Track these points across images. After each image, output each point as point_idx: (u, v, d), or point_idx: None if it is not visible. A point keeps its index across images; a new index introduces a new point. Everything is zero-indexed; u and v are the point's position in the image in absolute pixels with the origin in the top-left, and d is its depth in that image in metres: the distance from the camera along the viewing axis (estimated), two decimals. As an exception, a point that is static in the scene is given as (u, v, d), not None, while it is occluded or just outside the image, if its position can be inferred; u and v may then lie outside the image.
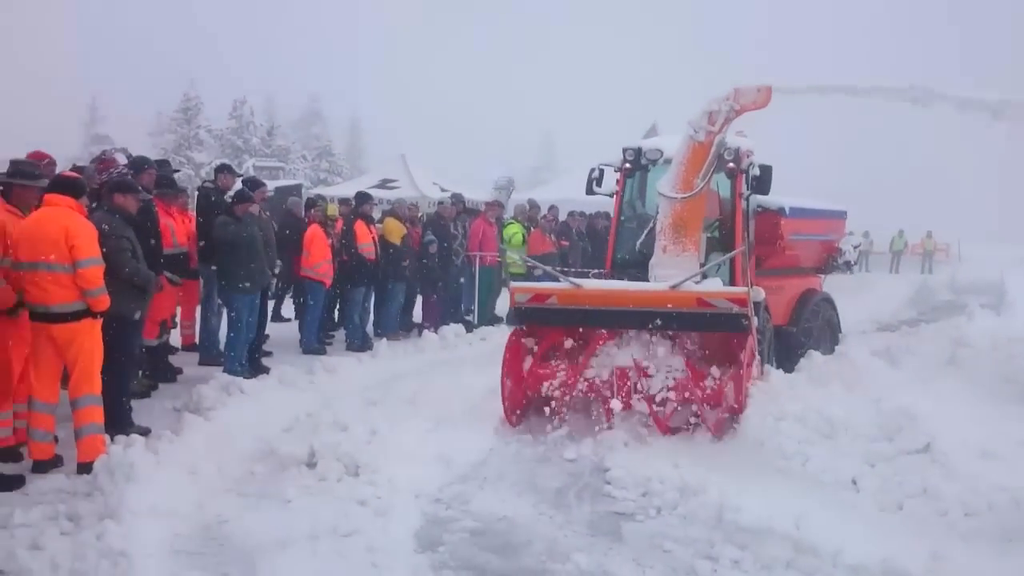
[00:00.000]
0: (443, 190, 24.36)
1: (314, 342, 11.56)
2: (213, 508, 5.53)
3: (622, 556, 5.02)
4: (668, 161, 8.59)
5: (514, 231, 14.73)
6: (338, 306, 12.92)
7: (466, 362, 10.41)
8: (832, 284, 12.03)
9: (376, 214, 13.44)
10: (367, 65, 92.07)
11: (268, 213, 10.78)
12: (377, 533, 5.15)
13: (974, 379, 7.91)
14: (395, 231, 12.54)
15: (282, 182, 22.61)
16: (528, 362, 7.81)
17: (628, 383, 7.32)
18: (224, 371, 9.00)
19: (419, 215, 14.73)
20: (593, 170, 9.85)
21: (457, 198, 15.45)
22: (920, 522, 5.37)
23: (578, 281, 7.73)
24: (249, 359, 9.63)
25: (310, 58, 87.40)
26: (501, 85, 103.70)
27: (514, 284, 7.85)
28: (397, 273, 12.46)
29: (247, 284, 9.30)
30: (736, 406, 7.01)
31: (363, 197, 12.49)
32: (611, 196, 9.87)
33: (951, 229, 44.74)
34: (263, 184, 10.56)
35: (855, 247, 11.81)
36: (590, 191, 9.85)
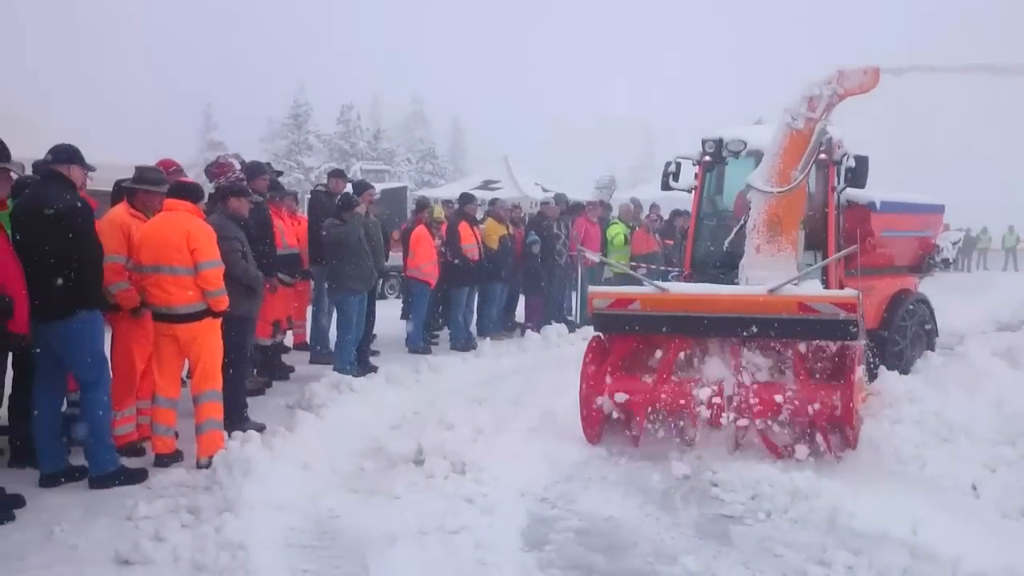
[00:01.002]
0: (545, 190, 24.46)
1: (419, 342, 11.78)
2: (325, 503, 5.68)
3: (731, 559, 4.94)
4: (753, 153, 8.28)
5: (616, 231, 14.65)
6: (442, 306, 13.14)
7: (568, 362, 10.29)
8: (948, 283, 11.48)
9: (479, 215, 13.59)
10: (468, 67, 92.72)
11: (377, 215, 10.99)
12: (484, 530, 5.22)
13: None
14: (493, 233, 12.66)
15: (388, 184, 23.07)
16: (608, 373, 7.17)
17: (723, 397, 6.67)
18: (334, 370, 9.24)
19: (522, 215, 14.82)
20: (669, 163, 9.16)
21: (560, 198, 15.47)
22: (1046, 530, 5.12)
23: (664, 285, 7.12)
24: (358, 358, 9.87)
25: (412, 60, 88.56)
26: (602, 83, 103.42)
27: (593, 289, 7.33)
28: (495, 274, 12.57)
29: (354, 284, 9.54)
30: (848, 425, 6.40)
31: (466, 198, 12.67)
32: (689, 191, 9.23)
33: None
34: (371, 187, 10.82)
35: (954, 243, 10.87)
36: (666, 186, 9.19)
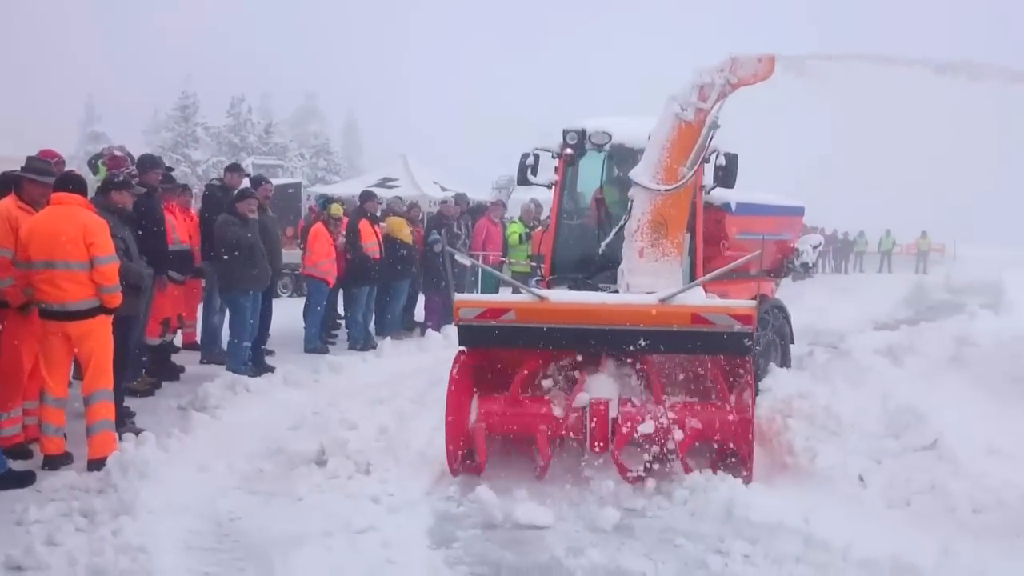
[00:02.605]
0: (444, 189, 24.45)
1: (317, 341, 11.60)
2: (225, 505, 5.56)
3: (634, 551, 5.05)
4: (621, 147, 7.78)
5: (514, 230, 14.74)
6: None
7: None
8: (827, 284, 11.73)
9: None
10: (363, 62, 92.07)
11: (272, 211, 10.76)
12: (391, 530, 5.19)
13: (979, 377, 7.93)
14: (403, 228, 12.58)
15: (282, 180, 22.60)
16: (475, 395, 6.47)
17: (607, 419, 6.02)
18: (227, 369, 9.02)
19: (419, 215, 14.73)
20: (527, 155, 8.17)
21: (461, 197, 15.50)
22: (928, 518, 5.40)
23: (543, 293, 6.46)
24: (253, 358, 9.66)
25: (305, 52, 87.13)
26: (500, 82, 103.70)
27: (459, 297, 6.40)
28: (404, 272, 12.48)
29: (249, 284, 9.32)
30: (746, 450, 6.01)
31: (367, 195, 12.56)
32: (549, 187, 8.33)
33: (946, 229, 44.96)
34: (267, 181, 10.60)
35: (815, 247, 10.21)
36: (523, 180, 8.31)
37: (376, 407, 7.96)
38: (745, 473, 5.99)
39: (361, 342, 11.87)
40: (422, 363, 10.82)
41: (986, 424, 6.69)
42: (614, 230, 7.29)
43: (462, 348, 6.43)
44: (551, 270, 8.09)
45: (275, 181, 19.72)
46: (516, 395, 6.29)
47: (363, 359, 10.80)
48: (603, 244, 7.51)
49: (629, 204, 6.75)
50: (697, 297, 6.34)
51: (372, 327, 12.59)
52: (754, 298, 6.51)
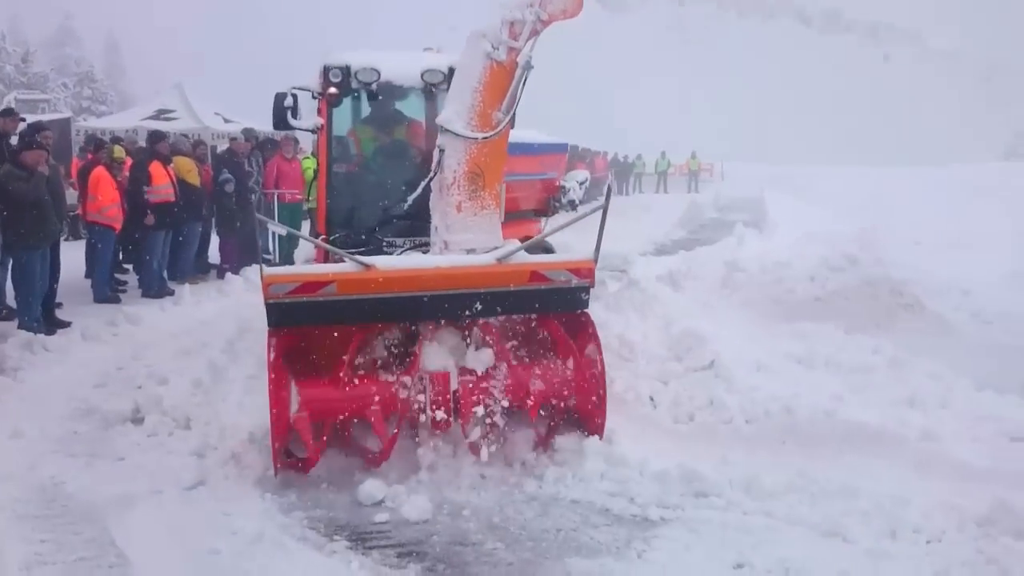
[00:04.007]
0: (227, 120, 23.41)
1: (106, 291, 11.11)
2: (45, 471, 5.46)
3: (454, 487, 5.38)
4: (389, 84, 7.20)
5: (310, 165, 14.51)
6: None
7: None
8: (612, 206, 12.08)
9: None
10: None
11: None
12: (221, 482, 5.31)
13: (746, 300, 8.94)
14: (191, 170, 12.17)
15: (50, 116, 20.84)
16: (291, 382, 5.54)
17: (448, 392, 5.55)
18: (19, 328, 8.56)
19: (206, 154, 14.16)
20: (283, 96, 7.15)
21: (249, 132, 15.06)
22: (709, 431, 6.11)
23: (368, 260, 5.58)
24: (44, 314, 9.19)
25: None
26: (284, 4, 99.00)
27: (268, 271, 5.44)
28: (196, 214, 12.13)
29: (37, 240, 8.79)
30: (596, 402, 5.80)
31: (157, 135, 12.04)
32: (314, 131, 7.41)
33: (715, 149, 48.29)
34: (46, 128, 9.93)
35: (580, 183, 10.17)
36: (282, 124, 7.20)
37: (185, 359, 7.90)
38: (594, 428, 5.83)
39: (155, 289, 11.48)
40: (225, 308, 10.69)
41: (754, 343, 7.59)
42: (424, 182, 6.42)
43: (273, 329, 5.51)
44: (327, 227, 7.19)
45: (42, 117, 18.34)
46: (340, 376, 5.55)
47: (161, 307, 10.52)
48: (410, 198, 6.69)
49: (438, 154, 6.09)
50: (530, 255, 5.99)
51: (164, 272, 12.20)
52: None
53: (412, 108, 7.98)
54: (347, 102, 7.66)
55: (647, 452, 5.64)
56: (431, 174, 6.19)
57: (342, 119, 7.74)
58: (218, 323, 9.51)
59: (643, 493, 5.26)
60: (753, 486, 5.23)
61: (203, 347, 8.29)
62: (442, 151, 6.09)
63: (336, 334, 5.66)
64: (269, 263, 13.35)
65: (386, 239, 6.90)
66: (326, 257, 6.67)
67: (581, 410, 5.89)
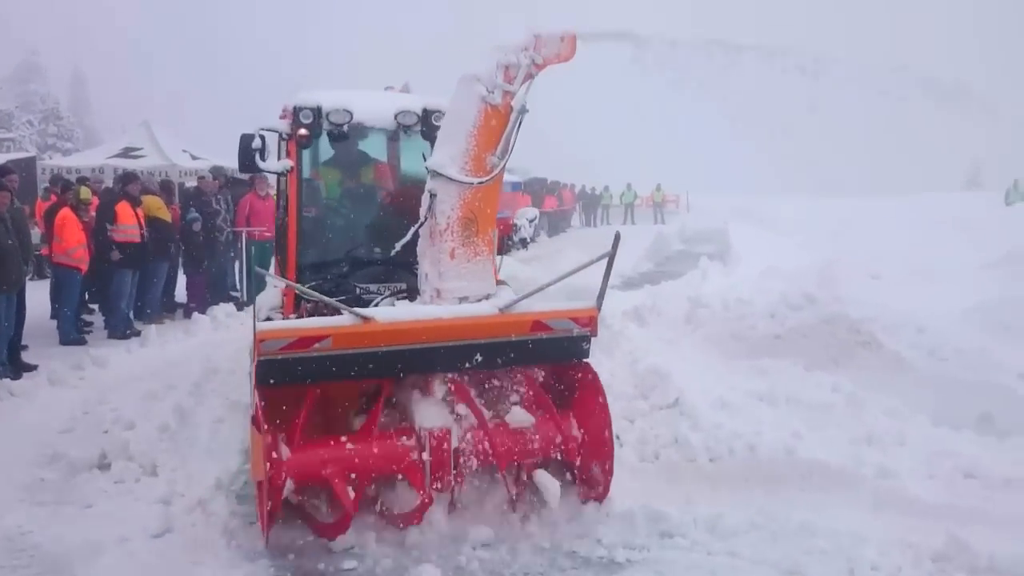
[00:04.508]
0: (195, 157, 23.45)
1: (72, 332, 11.07)
2: (11, 519, 5.44)
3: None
4: (361, 126, 6.92)
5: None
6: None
7: (242, 342, 10.35)
8: (580, 240, 12.06)
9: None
10: (87, 13, 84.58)
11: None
12: (188, 529, 5.29)
13: (709, 337, 9.08)
14: (160, 207, 12.20)
15: (13, 155, 20.74)
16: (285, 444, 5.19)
17: (448, 451, 5.34)
18: (-17, 372, 8.52)
19: (174, 191, 14.18)
20: (251, 137, 6.68)
21: (217, 170, 15.10)
22: (674, 469, 6.22)
23: (367, 312, 5.30)
24: (9, 358, 9.14)
25: (22, 3, 79.01)
26: (248, 40, 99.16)
27: (261, 327, 5.07)
28: (163, 254, 12.13)
29: (2, 285, 8.77)
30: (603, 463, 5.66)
31: (129, 177, 12.07)
32: (284, 174, 6.97)
33: (680, 181, 48.91)
34: (11, 171, 9.92)
35: (531, 221, 9.68)
36: (249, 167, 6.78)
37: (152, 403, 7.89)
38: (598, 494, 5.70)
39: (122, 330, 11.44)
40: (191, 349, 10.66)
41: (717, 380, 7.73)
42: (413, 228, 5.99)
43: (264, 386, 5.15)
44: (297, 275, 6.69)
45: (5, 156, 18.26)
46: (367, 431, 5.36)
47: (127, 349, 10.48)
48: (399, 244, 6.20)
49: (428, 199, 5.81)
50: (527, 302, 5.73)
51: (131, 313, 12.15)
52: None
53: (383, 150, 7.89)
54: (317, 143, 7.35)
55: (613, 491, 5.69)
56: (421, 220, 5.88)
57: (312, 161, 7.49)
58: (185, 364, 9.48)
59: (609, 534, 5.34)
60: (717, 526, 5.34)
61: (170, 390, 8.28)
62: (433, 196, 5.79)
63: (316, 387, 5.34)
64: (237, 301, 13.41)
65: (360, 286, 6.66)
66: (295, 305, 6.49)
67: (582, 472, 5.74)
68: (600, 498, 5.67)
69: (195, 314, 12.29)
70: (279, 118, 7.03)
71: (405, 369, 5.46)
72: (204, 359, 9.57)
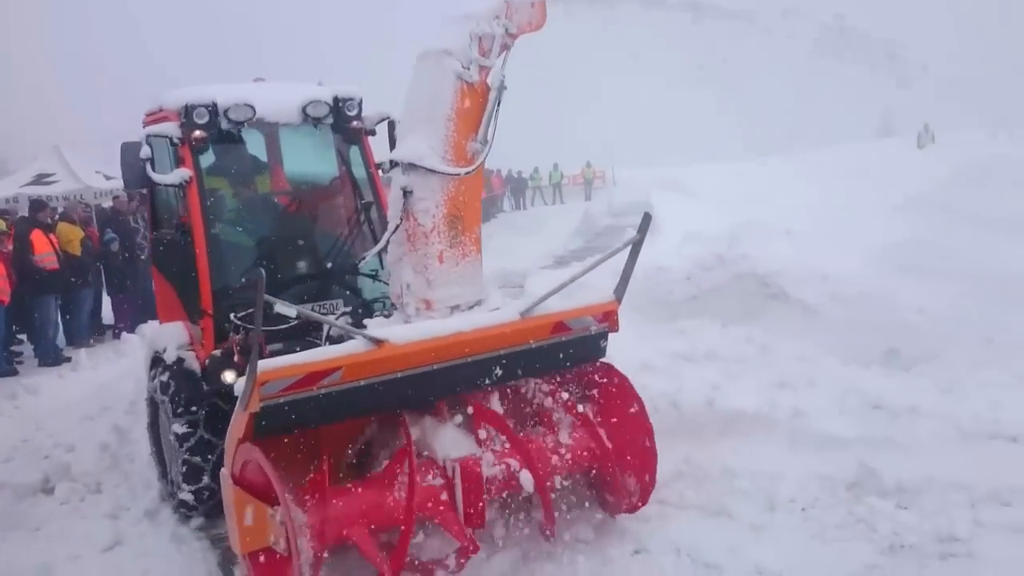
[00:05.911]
0: (108, 177, 22.99)
1: (2, 365, 10.96)
2: (-40, 549, 5.50)
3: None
4: (263, 122, 5.95)
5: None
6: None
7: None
8: (508, 223, 12.36)
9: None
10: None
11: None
12: (137, 540, 5.45)
13: (634, 305, 9.35)
14: (73, 237, 12.08)
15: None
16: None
17: (481, 482, 4.61)
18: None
19: (90, 214, 14.02)
20: (136, 146, 5.85)
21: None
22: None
23: (379, 335, 4.40)
24: (-62, 394, 9.07)
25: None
26: (145, 54, 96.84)
27: (264, 366, 4.02)
28: (83, 280, 12.04)
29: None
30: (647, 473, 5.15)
31: (38, 205, 11.93)
32: (180, 186, 5.81)
33: (606, 157, 49.44)
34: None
35: None
36: (141, 181, 5.88)
37: (89, 425, 7.91)
38: (631, 506, 5.15)
39: (52, 357, 11.36)
40: (123, 369, 10.56)
41: (642, 344, 8.02)
42: (387, 233, 5.07)
43: (258, 436, 4.21)
44: (214, 303, 5.64)
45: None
46: (388, 476, 4.57)
47: (60, 375, 10.44)
48: (367, 255, 5.74)
49: (400, 198, 4.94)
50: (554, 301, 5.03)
51: (60, 339, 12.06)
52: None
53: (293, 147, 6.99)
54: (214, 146, 6.11)
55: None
56: (394, 223, 4.98)
57: (211, 167, 6.26)
58: (118, 385, 9.45)
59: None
60: (646, 478, 5.62)
61: (106, 411, 8.29)
62: (408, 194, 4.90)
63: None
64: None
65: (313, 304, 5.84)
66: (216, 331, 5.62)
67: (613, 482, 5.09)
68: (633, 509, 5.14)
69: (124, 334, 12.23)
70: (150, 122, 6.13)
71: (424, 394, 4.71)
72: (137, 379, 9.50)
